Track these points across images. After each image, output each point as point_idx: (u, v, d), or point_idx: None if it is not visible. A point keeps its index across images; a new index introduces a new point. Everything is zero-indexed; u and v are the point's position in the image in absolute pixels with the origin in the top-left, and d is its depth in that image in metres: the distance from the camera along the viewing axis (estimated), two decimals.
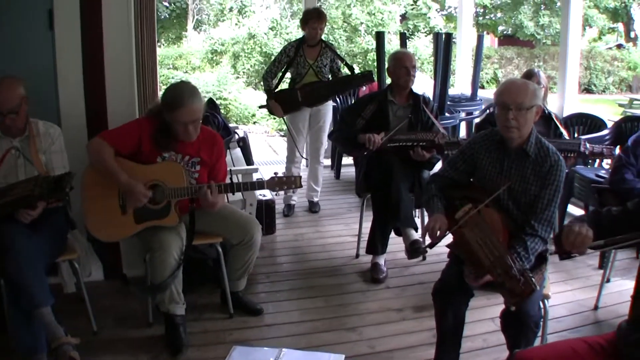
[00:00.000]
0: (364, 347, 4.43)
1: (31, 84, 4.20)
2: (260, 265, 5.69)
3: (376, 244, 5.56)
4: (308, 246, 6.42)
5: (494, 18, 32.31)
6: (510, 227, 3.65)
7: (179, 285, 4.35)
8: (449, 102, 8.74)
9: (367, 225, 5.74)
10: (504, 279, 3.30)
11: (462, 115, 9.28)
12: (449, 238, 3.76)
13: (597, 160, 6.32)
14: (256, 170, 6.08)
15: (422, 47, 26.84)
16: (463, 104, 9.51)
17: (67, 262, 4.44)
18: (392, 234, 5.62)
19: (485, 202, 3.64)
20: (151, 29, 5.85)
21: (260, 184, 4.48)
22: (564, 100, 7.77)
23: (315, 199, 7.56)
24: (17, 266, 3.70)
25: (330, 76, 7.03)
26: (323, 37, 6.95)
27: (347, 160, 8.77)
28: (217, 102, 11.73)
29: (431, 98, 6.05)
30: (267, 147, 15.59)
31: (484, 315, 4.75)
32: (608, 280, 5.13)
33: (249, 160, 7.36)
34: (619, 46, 33.52)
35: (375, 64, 9.74)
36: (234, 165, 6.37)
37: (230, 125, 7.55)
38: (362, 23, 25.13)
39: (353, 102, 7.28)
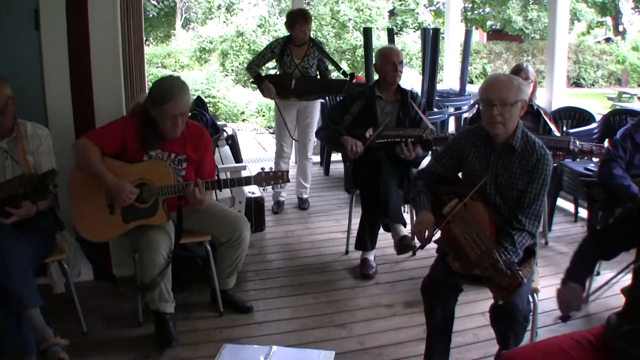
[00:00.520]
0: (354, 343, 4.43)
1: (18, 85, 4.17)
2: (249, 263, 5.69)
3: (365, 240, 5.57)
4: (297, 243, 6.42)
5: (482, 13, 32.38)
6: (498, 221, 3.64)
7: (168, 284, 4.34)
8: (437, 98, 8.74)
9: (356, 222, 5.75)
10: (491, 272, 3.30)
11: (451, 110, 9.30)
12: (437, 233, 3.76)
13: None
14: (244, 167, 6.07)
15: (410, 43, 26.92)
16: (451, 99, 9.51)
17: (56, 262, 4.40)
18: (381, 230, 5.61)
19: (469, 195, 3.64)
20: (138, 28, 5.84)
21: (248, 180, 4.47)
22: (552, 94, 7.80)
23: (305, 196, 7.56)
24: (5, 268, 3.68)
25: (318, 75, 7.03)
26: (311, 34, 6.93)
27: (337, 156, 8.75)
28: (206, 100, 11.73)
29: (419, 93, 6.04)
30: (256, 144, 15.56)
31: (474, 310, 4.76)
32: (598, 274, 5.13)
33: (237, 158, 7.35)
34: (608, 40, 33.70)
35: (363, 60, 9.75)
36: (222, 163, 6.35)
37: (219, 123, 7.54)
38: (350, 19, 25.18)
39: (340, 98, 7.27)
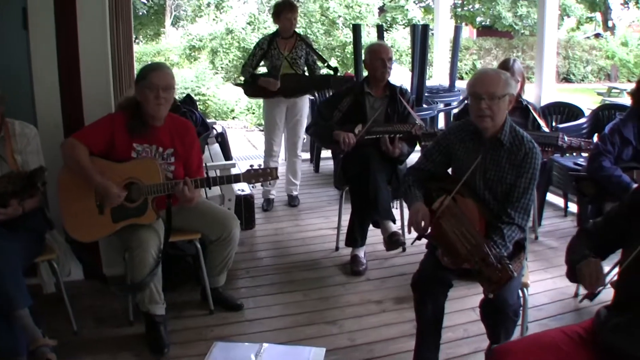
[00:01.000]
0: (345, 340, 4.44)
1: (6, 84, 4.17)
2: (240, 261, 5.69)
3: (355, 237, 5.57)
4: (288, 240, 6.42)
5: (472, 9, 32.40)
6: (487, 216, 3.65)
7: (158, 284, 4.33)
8: (426, 94, 8.77)
9: (346, 218, 5.76)
10: (481, 266, 3.31)
11: (441, 106, 9.30)
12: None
13: None
14: (234, 165, 6.06)
15: (400, 40, 26.95)
16: (441, 95, 9.55)
17: (45, 262, 4.37)
18: (371, 226, 5.62)
19: (456, 188, 3.64)
20: (128, 26, 5.84)
21: (237, 177, 4.46)
22: (541, 90, 7.82)
23: (295, 193, 7.55)
24: None
25: (306, 69, 7.04)
26: (301, 31, 6.94)
27: (326, 153, 8.73)
28: (196, 98, 11.71)
29: (409, 90, 6.05)
30: (246, 142, 15.58)
31: (465, 305, 4.77)
32: None
33: (227, 155, 7.34)
34: (597, 35, 33.83)
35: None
36: (212, 161, 6.35)
37: (209, 120, 7.53)
38: (340, 16, 25.17)
39: (330, 95, 7.27)
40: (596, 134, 6.14)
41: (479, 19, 32.93)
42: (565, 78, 30.28)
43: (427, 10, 29.76)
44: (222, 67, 24.81)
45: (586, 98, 20.31)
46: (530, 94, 7.23)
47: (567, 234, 6.17)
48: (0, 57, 4.90)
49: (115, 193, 4.18)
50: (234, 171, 5.45)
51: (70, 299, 4.47)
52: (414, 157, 4.66)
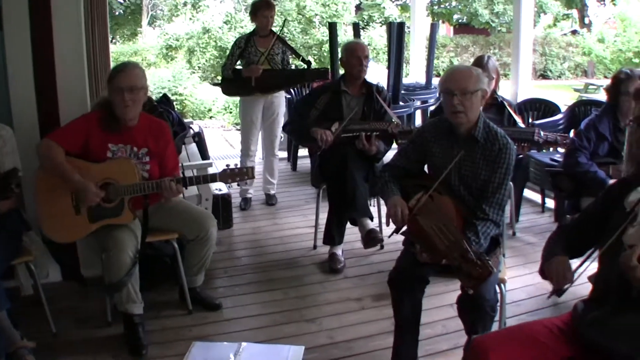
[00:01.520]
0: (324, 337, 4.44)
1: None
2: (218, 260, 5.67)
3: (333, 235, 5.58)
4: (266, 239, 6.41)
5: (448, 7, 32.54)
6: (464, 212, 3.67)
7: (135, 284, 4.32)
8: (403, 91, 8.79)
9: (323, 217, 5.76)
10: (460, 262, 3.31)
11: (417, 104, 9.33)
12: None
13: None
14: (210, 164, 6.07)
15: (377, 37, 26.99)
16: (418, 93, 9.56)
17: (23, 264, 4.34)
18: (349, 224, 5.63)
19: (434, 186, 3.66)
20: (103, 26, 5.80)
21: (213, 177, 4.45)
22: (517, 86, 7.85)
23: (272, 192, 7.55)
24: None
25: (281, 67, 7.02)
26: (277, 30, 6.95)
27: (303, 151, 8.73)
28: (173, 97, 11.67)
29: (385, 87, 6.06)
30: (223, 141, 15.53)
31: (443, 302, 4.78)
32: None
33: (204, 155, 7.33)
34: (574, 32, 34.08)
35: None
36: (189, 161, 6.34)
37: (186, 120, 7.52)
38: (316, 15, 25.18)
39: (306, 93, 7.27)
40: (572, 130, 6.18)
41: (455, 17, 33.08)
42: (543, 75, 30.45)
43: (404, 8, 29.82)
44: (199, 67, 24.74)
45: (563, 94, 20.37)
46: (506, 91, 7.27)
47: (544, 230, 6.21)
48: None
49: (94, 191, 4.16)
50: (210, 171, 5.44)
51: (49, 301, 4.44)
52: (390, 155, 4.66)
